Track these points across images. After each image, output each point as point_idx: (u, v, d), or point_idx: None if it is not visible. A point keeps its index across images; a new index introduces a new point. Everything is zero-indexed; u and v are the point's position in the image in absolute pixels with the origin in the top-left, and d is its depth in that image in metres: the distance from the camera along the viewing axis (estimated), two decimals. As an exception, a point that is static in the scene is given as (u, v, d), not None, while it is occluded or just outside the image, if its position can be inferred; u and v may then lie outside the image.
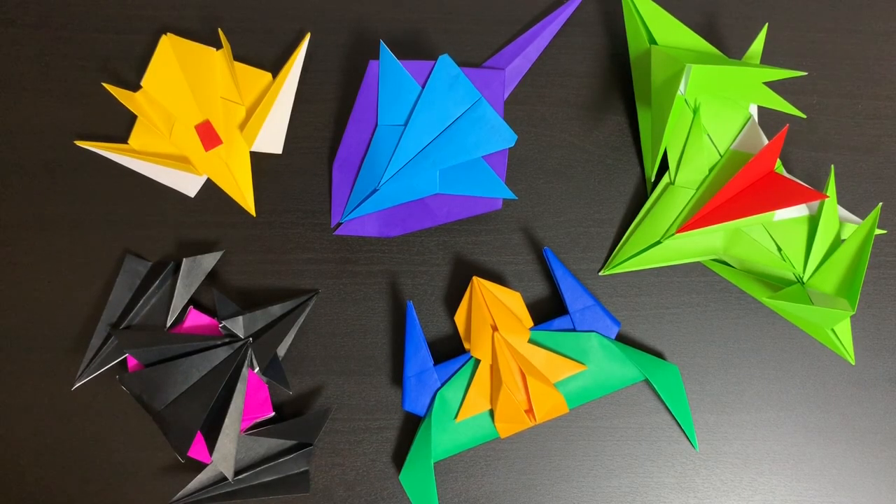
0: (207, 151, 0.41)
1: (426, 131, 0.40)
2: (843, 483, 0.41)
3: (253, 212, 0.42)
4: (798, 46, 0.46)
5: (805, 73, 0.40)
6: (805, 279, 0.39)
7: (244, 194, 0.42)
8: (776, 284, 0.40)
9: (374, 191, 0.40)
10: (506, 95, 0.44)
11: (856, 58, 0.46)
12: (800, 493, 0.41)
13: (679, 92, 0.39)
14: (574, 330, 0.40)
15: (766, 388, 0.42)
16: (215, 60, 0.42)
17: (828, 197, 0.37)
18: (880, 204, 0.39)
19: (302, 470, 0.40)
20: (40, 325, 0.41)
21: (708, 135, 0.41)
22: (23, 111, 0.43)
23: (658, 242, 0.41)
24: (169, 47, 0.41)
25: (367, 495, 0.40)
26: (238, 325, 0.39)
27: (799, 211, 0.40)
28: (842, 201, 0.43)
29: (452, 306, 0.42)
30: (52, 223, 0.42)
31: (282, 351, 0.41)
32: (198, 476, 0.39)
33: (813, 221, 0.39)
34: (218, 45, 0.42)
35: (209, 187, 0.42)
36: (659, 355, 0.42)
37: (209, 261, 0.41)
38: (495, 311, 0.39)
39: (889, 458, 0.41)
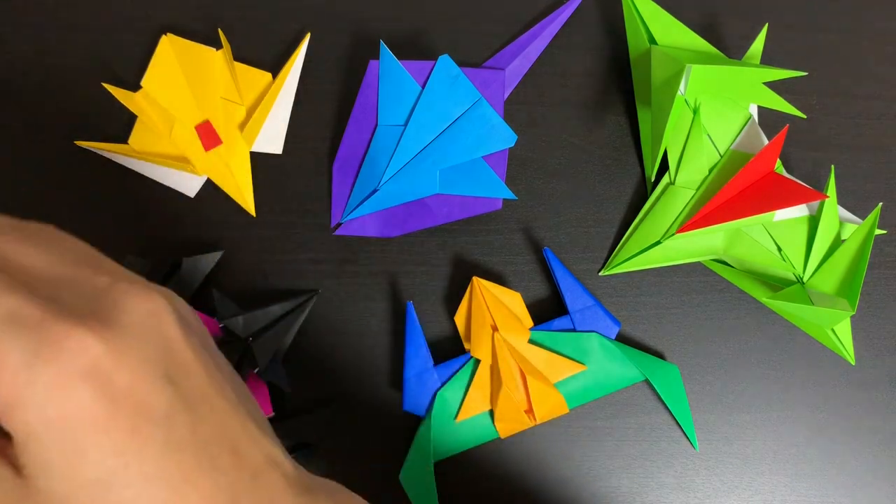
0: (207, 151, 0.41)
1: (426, 131, 0.40)
2: (843, 483, 0.41)
3: (253, 212, 0.42)
4: (798, 46, 0.46)
5: (805, 73, 0.40)
6: (805, 279, 0.39)
7: (244, 194, 0.42)
8: (776, 284, 0.40)
9: (374, 191, 0.40)
10: (506, 95, 0.44)
11: (856, 58, 0.46)
12: (800, 493, 0.41)
13: (679, 92, 0.39)
14: (574, 330, 0.40)
15: (766, 388, 0.42)
16: (215, 60, 0.42)
17: (828, 197, 0.37)
18: (880, 204, 0.39)
19: (302, 470, 0.40)
20: (40, 325, 0.41)
21: (708, 135, 0.41)
22: (23, 111, 0.43)
23: (658, 242, 0.41)
24: (169, 47, 0.41)
25: (367, 495, 0.40)
26: (238, 325, 0.39)
27: (799, 211, 0.40)
28: (842, 201, 0.43)
29: (452, 306, 0.42)
30: (52, 223, 0.42)
31: (282, 351, 0.41)
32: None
33: (813, 221, 0.39)
34: (218, 45, 0.42)
35: (209, 187, 0.42)
36: (659, 355, 0.42)
37: (209, 261, 0.41)
38: (495, 312, 0.39)
39: (889, 458, 0.41)
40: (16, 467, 0.21)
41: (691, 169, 0.41)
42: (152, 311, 0.23)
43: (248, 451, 0.23)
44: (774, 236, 0.39)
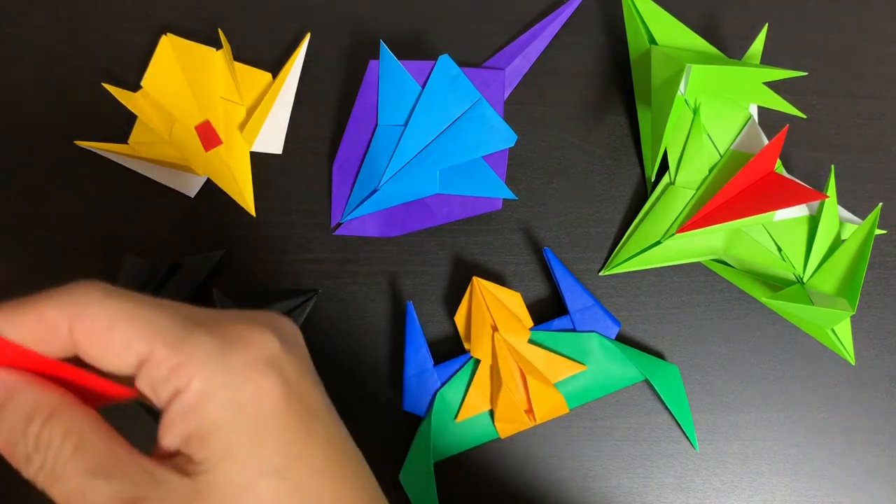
0: (207, 151, 0.41)
1: (426, 131, 0.40)
2: (843, 483, 0.41)
3: (253, 212, 0.42)
4: (798, 46, 0.46)
5: (805, 73, 0.40)
6: (805, 279, 0.39)
7: (244, 194, 0.42)
8: (776, 284, 0.40)
9: (374, 191, 0.40)
10: (506, 95, 0.44)
11: (856, 58, 0.46)
12: (800, 493, 0.41)
13: (679, 92, 0.39)
14: (574, 330, 0.40)
15: (766, 388, 0.42)
16: (215, 60, 0.42)
17: (828, 197, 0.37)
18: (880, 204, 0.39)
19: (302, 470, 0.40)
20: (40, 325, 0.41)
21: (708, 135, 0.41)
22: (23, 111, 0.43)
23: (658, 242, 0.41)
24: (169, 47, 0.41)
25: (367, 495, 0.40)
26: (238, 325, 0.39)
27: (799, 211, 0.40)
28: (842, 201, 0.43)
29: (452, 306, 0.42)
30: (52, 223, 0.42)
31: (282, 351, 0.41)
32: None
33: (813, 221, 0.39)
34: (218, 45, 0.42)
35: (209, 187, 0.42)
36: (659, 355, 0.42)
37: (209, 261, 0.41)
38: (495, 312, 0.39)
39: (889, 458, 0.41)
40: (182, 472, 0.21)
41: (691, 169, 0.41)
42: (294, 329, 0.25)
43: (362, 457, 0.25)
44: (774, 236, 0.39)
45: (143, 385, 0.21)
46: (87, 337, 0.21)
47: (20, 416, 0.21)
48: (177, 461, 0.21)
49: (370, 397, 0.41)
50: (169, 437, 0.21)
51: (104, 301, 0.21)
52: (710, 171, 0.40)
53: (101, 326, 0.21)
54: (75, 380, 0.22)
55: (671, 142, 0.41)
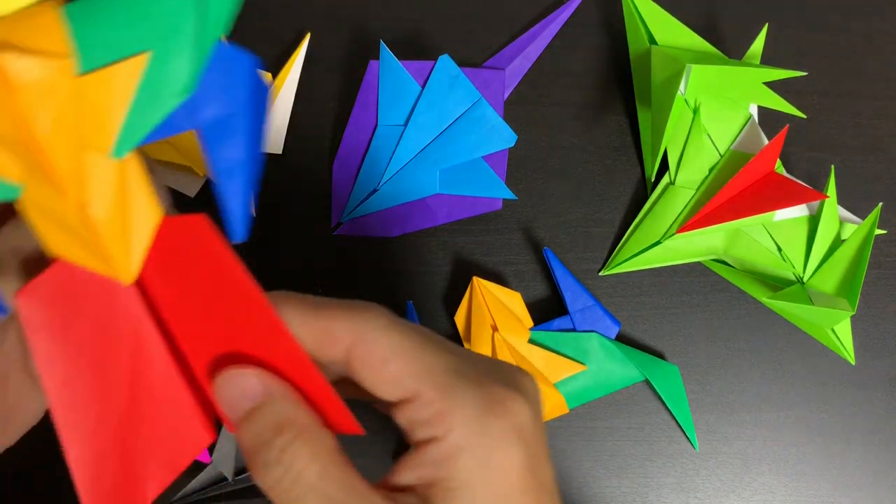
0: (207, 151, 0.41)
1: (426, 131, 0.40)
2: (843, 483, 0.41)
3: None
4: (798, 46, 0.46)
5: (805, 73, 0.40)
6: (805, 279, 0.39)
7: (244, 194, 0.42)
8: (776, 284, 0.40)
9: (374, 191, 0.40)
10: (506, 95, 0.44)
11: (856, 58, 0.46)
12: (800, 493, 0.41)
13: (679, 92, 0.39)
14: (574, 330, 0.40)
15: (766, 388, 0.42)
16: (215, 60, 0.42)
17: (828, 197, 0.37)
18: (880, 204, 0.39)
19: (302, 470, 0.40)
20: (40, 325, 0.41)
21: (708, 135, 0.41)
22: (23, 111, 0.43)
23: (658, 242, 0.41)
24: (169, 47, 0.41)
25: (367, 495, 0.40)
26: (238, 325, 0.39)
27: (799, 211, 0.40)
28: (842, 201, 0.43)
29: (452, 306, 0.42)
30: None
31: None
32: (198, 476, 0.39)
33: (813, 221, 0.39)
34: (218, 45, 0.42)
35: (209, 187, 0.42)
36: (659, 355, 0.42)
37: (209, 261, 0.41)
38: (495, 312, 0.39)
39: (889, 459, 0.41)
40: None
41: (691, 169, 0.41)
42: (538, 391, 0.24)
43: None
44: (774, 236, 0.39)
45: (401, 418, 0.22)
46: (362, 361, 0.21)
47: (271, 423, 0.21)
48: (408, 501, 0.21)
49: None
50: (411, 475, 0.21)
51: (387, 330, 0.21)
52: (710, 171, 0.41)
53: (379, 356, 0.21)
54: (327, 409, 0.22)
55: (671, 142, 0.41)
